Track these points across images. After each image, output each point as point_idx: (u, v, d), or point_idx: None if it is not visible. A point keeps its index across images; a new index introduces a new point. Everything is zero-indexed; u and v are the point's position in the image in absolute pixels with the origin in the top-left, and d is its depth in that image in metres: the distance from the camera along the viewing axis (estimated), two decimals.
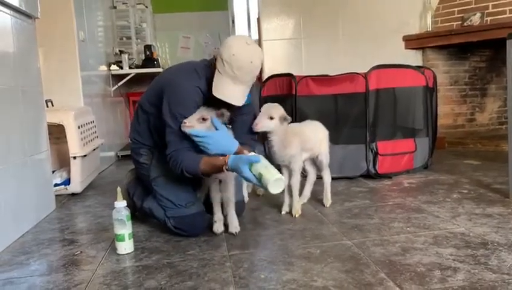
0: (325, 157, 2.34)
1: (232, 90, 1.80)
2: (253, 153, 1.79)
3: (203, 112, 1.83)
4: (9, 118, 2.13)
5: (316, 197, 2.46)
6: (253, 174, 1.70)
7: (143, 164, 2.08)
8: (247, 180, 1.74)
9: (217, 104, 1.84)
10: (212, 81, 1.84)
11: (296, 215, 2.17)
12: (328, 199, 2.38)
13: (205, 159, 1.80)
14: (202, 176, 1.86)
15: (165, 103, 1.87)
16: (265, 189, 1.69)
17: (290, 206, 2.22)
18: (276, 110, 2.07)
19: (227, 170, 1.76)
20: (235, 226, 1.98)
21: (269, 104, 2.11)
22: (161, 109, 1.89)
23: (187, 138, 1.82)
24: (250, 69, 1.80)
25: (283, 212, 2.23)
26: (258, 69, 1.84)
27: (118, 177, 3.39)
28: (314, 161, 2.38)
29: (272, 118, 2.04)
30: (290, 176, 2.18)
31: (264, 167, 1.70)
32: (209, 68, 1.90)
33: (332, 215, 2.19)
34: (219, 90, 1.80)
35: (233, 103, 1.81)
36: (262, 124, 2.03)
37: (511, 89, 2.25)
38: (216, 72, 1.82)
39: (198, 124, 1.81)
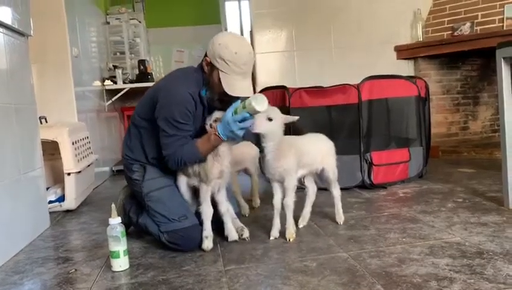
0: (331, 173, 2.18)
1: (244, 85, 1.89)
2: None
3: (217, 114, 1.90)
4: (2, 136, 2.12)
5: (313, 209, 2.44)
6: (241, 114, 1.77)
7: (135, 180, 2.07)
8: (241, 122, 1.79)
9: (212, 109, 1.94)
10: (204, 84, 1.93)
11: (291, 240, 1.99)
12: (340, 216, 2.24)
13: (198, 141, 1.89)
14: (204, 158, 1.90)
15: (158, 108, 1.91)
16: (253, 111, 1.75)
17: (280, 230, 2.05)
18: (275, 111, 1.90)
19: (218, 136, 1.83)
20: (233, 235, 2.02)
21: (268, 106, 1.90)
22: (152, 121, 1.94)
23: (182, 138, 1.89)
24: (252, 60, 1.91)
25: (272, 238, 2.03)
26: (253, 58, 1.96)
27: (112, 193, 3.36)
28: (319, 177, 2.22)
29: (270, 120, 1.86)
30: (284, 195, 2.00)
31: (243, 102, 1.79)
32: (200, 73, 1.96)
33: (328, 227, 2.19)
34: (233, 89, 1.85)
35: (249, 95, 1.86)
36: (260, 124, 1.85)
37: (502, 98, 2.27)
38: (221, 74, 1.86)
39: (215, 124, 1.89)
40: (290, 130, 2.99)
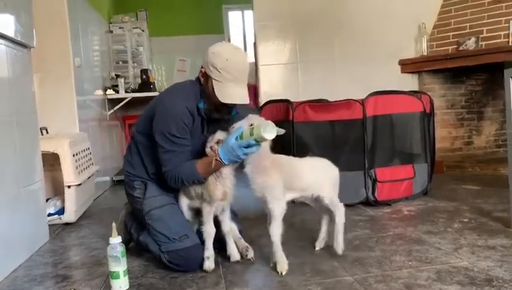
0: (329, 203, 1.98)
1: (238, 92, 1.85)
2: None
3: (218, 136, 1.87)
4: (2, 148, 2.09)
5: (315, 229, 2.40)
6: (247, 140, 1.73)
7: (136, 198, 2.04)
8: (247, 148, 1.74)
9: (211, 120, 1.93)
10: (203, 96, 1.90)
11: (283, 273, 1.80)
12: (338, 244, 1.98)
13: (199, 162, 1.85)
14: (203, 179, 1.86)
15: (155, 122, 1.89)
16: (261, 139, 1.70)
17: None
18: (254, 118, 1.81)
19: (220, 160, 1.78)
20: (235, 255, 1.98)
21: (252, 115, 1.85)
22: (151, 137, 1.92)
23: (180, 154, 1.86)
24: (246, 68, 1.88)
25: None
26: (249, 67, 1.92)
27: (113, 204, 3.33)
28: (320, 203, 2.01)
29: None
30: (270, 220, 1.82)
31: (249, 128, 1.74)
32: (197, 85, 1.94)
33: (333, 248, 2.13)
34: (226, 96, 1.83)
35: (243, 103, 1.86)
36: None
37: (510, 117, 2.24)
38: (214, 83, 1.84)
39: (216, 146, 1.84)
40: (293, 145, 3.00)
